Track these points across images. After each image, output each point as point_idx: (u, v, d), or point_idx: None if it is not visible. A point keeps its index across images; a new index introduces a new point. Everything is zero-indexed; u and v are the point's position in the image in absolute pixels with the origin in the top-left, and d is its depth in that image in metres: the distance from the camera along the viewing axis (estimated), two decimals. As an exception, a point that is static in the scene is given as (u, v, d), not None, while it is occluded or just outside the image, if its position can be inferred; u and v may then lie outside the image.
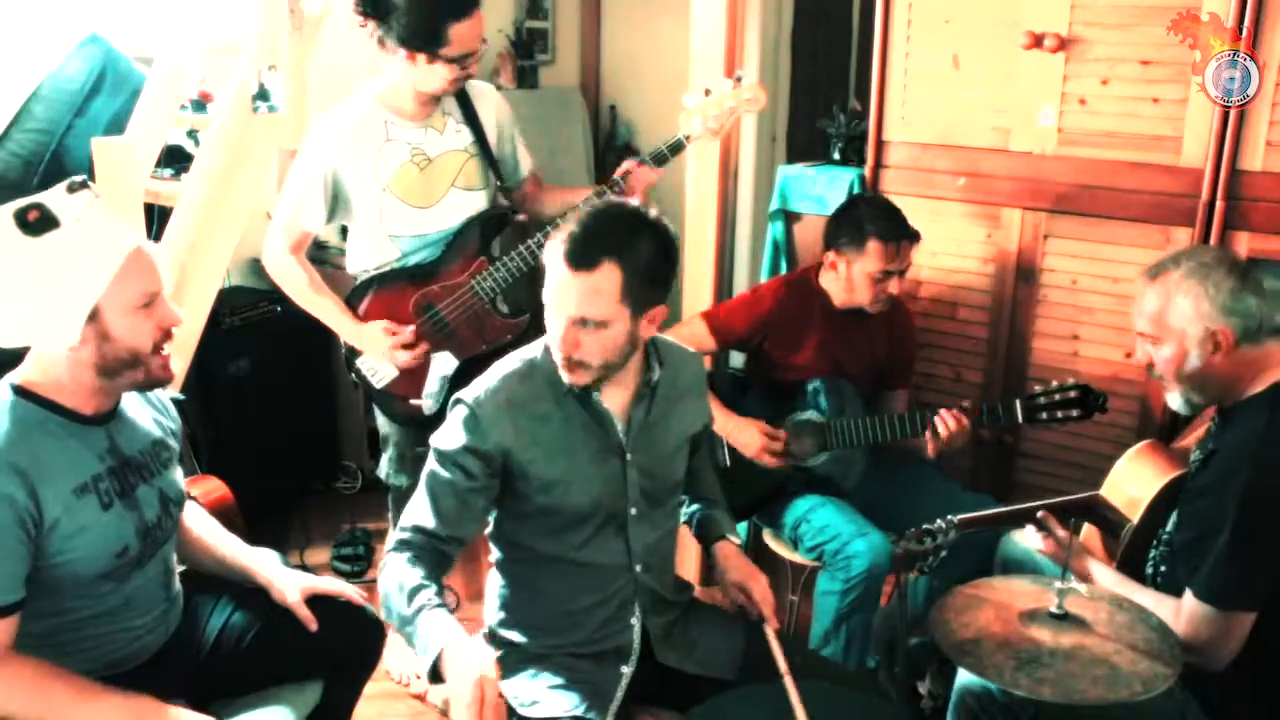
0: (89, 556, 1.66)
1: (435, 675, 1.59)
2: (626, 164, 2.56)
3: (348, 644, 1.97)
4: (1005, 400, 2.43)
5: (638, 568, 1.86)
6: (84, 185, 1.64)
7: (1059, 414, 2.37)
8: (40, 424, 1.64)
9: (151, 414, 1.87)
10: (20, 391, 1.65)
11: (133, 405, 1.82)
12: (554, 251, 1.70)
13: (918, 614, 2.37)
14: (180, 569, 2.04)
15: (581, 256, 1.68)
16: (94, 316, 1.61)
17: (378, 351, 2.58)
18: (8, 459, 1.57)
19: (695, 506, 2.08)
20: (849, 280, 2.57)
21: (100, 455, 1.70)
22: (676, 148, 2.54)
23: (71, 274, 1.59)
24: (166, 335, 1.71)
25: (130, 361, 1.66)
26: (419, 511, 1.77)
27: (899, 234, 2.52)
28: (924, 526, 2.08)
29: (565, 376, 1.77)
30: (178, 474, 1.89)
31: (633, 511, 1.84)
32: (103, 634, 1.74)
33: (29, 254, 1.58)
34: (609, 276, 1.68)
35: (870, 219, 2.53)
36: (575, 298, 1.69)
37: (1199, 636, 1.75)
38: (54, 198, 1.61)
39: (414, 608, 1.64)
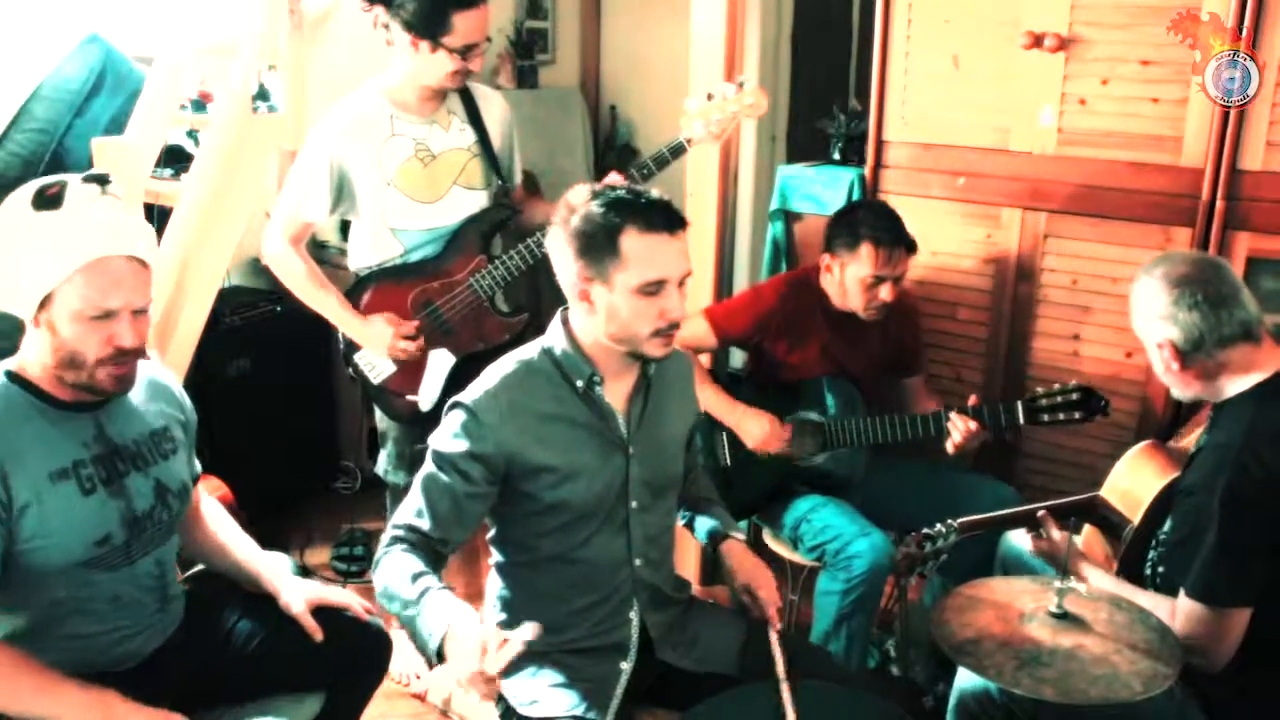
0: (65, 543, 1.64)
1: (441, 655, 1.57)
2: (612, 177, 2.53)
3: (353, 657, 1.95)
4: (1007, 401, 2.43)
5: (637, 561, 1.86)
6: (100, 180, 1.67)
7: (1060, 415, 2.37)
8: (21, 408, 1.65)
9: (155, 404, 1.84)
10: (11, 376, 1.68)
11: (134, 393, 1.79)
12: (639, 224, 1.68)
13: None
14: (192, 572, 2.04)
15: (678, 216, 1.72)
16: (45, 304, 1.63)
17: (378, 345, 2.58)
18: None
19: (693, 510, 2.07)
20: (842, 284, 2.57)
21: (85, 442, 1.70)
22: (677, 151, 2.54)
23: (41, 256, 1.61)
24: (119, 352, 1.66)
25: (72, 362, 1.65)
26: (413, 512, 1.76)
27: (893, 240, 2.51)
28: (924, 531, 2.08)
29: (660, 351, 1.76)
30: (182, 466, 1.86)
31: (634, 505, 1.84)
32: (90, 633, 1.72)
33: (25, 225, 1.62)
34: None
35: (867, 223, 2.53)
36: (681, 255, 1.73)
37: (1195, 636, 1.75)
38: (73, 183, 1.65)
39: (418, 590, 1.63)
